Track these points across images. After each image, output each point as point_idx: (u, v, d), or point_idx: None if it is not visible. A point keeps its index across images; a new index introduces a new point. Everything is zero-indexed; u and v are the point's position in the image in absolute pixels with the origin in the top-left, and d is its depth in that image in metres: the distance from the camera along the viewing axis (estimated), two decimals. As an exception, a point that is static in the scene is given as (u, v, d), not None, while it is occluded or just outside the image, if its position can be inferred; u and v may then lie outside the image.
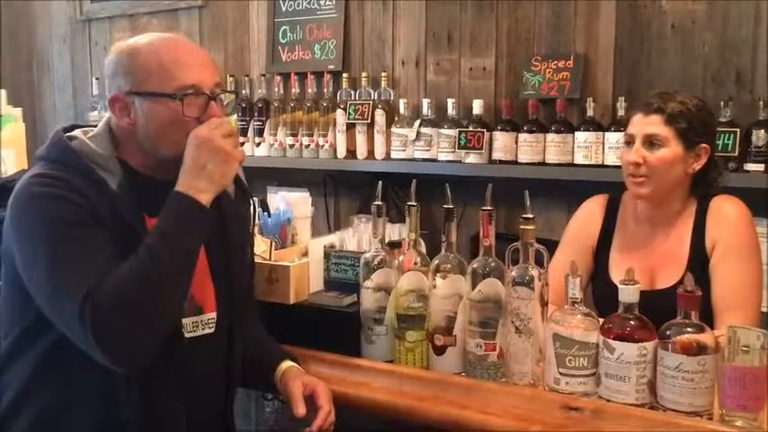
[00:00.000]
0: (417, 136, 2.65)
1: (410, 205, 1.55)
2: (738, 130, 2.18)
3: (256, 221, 1.59)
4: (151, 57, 1.34)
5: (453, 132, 2.58)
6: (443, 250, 1.52)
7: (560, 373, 1.36)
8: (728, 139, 2.17)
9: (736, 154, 2.17)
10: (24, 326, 1.35)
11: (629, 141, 1.79)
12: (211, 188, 1.31)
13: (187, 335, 1.38)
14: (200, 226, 1.31)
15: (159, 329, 1.26)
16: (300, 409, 1.40)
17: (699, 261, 1.73)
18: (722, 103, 2.22)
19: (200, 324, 1.41)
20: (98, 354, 1.21)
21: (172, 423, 1.36)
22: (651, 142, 1.74)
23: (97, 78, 3.52)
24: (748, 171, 2.18)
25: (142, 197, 1.35)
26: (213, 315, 1.43)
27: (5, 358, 1.39)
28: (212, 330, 1.42)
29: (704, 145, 1.75)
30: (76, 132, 1.39)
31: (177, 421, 1.37)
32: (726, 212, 1.75)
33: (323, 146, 2.87)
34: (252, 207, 1.48)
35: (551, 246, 1.79)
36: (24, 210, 1.29)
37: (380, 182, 1.65)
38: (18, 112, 2.93)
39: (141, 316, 1.23)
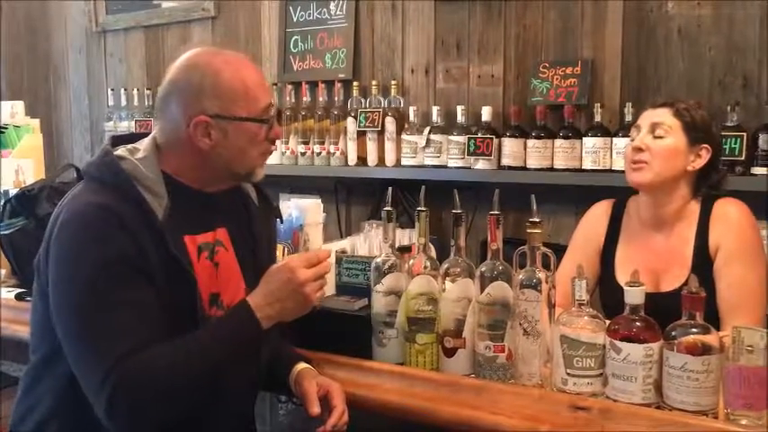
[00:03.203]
0: (427, 143, 2.69)
1: (420, 210, 1.58)
2: (745, 133, 2.20)
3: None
4: (235, 79, 1.36)
5: (462, 139, 2.62)
6: (453, 254, 1.55)
7: (568, 374, 1.39)
8: (735, 143, 2.19)
9: (743, 158, 2.19)
10: (53, 344, 1.35)
11: (635, 136, 1.82)
12: (276, 319, 1.37)
13: None
14: (252, 346, 1.37)
15: (174, 416, 1.28)
16: (315, 409, 1.42)
17: (702, 263, 1.75)
18: (729, 107, 2.24)
19: None
20: (104, 419, 1.24)
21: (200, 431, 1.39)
22: (657, 131, 1.77)
23: (112, 89, 3.58)
24: (755, 175, 2.20)
25: (185, 216, 1.37)
26: None
27: (36, 373, 1.41)
28: None
29: (706, 145, 1.79)
30: (124, 152, 1.39)
31: (206, 428, 1.40)
32: (729, 215, 1.77)
33: (334, 153, 2.91)
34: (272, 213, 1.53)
35: (560, 250, 1.82)
36: (73, 245, 1.29)
37: (390, 188, 1.68)
38: (36, 123, 3.01)
39: (164, 406, 1.25)
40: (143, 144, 1.42)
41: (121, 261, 1.26)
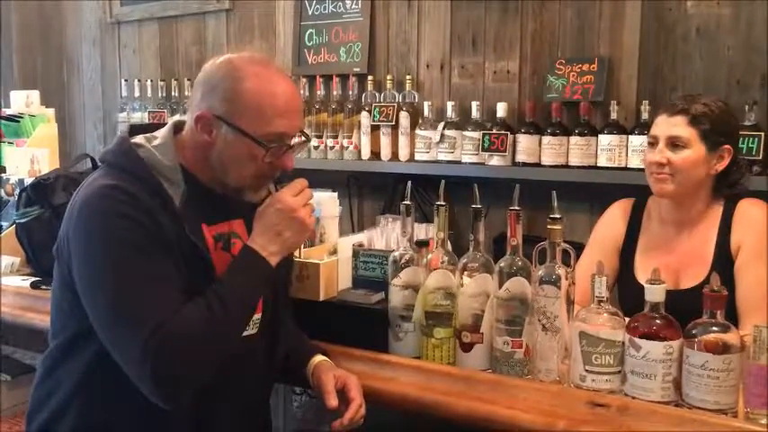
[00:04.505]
0: (441, 138, 2.68)
1: (439, 205, 1.58)
2: (763, 133, 2.18)
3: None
4: (253, 93, 1.34)
5: (477, 135, 2.61)
6: (471, 249, 1.55)
7: (586, 371, 1.39)
8: (753, 143, 2.17)
9: (761, 158, 2.17)
10: (74, 331, 1.37)
11: (653, 142, 1.82)
12: (282, 252, 1.38)
13: None
14: (266, 285, 1.38)
15: (210, 373, 1.29)
16: (333, 401, 1.43)
17: (724, 262, 1.74)
18: (747, 106, 2.23)
19: (251, 324, 1.43)
20: (151, 390, 1.24)
21: (216, 424, 1.40)
22: (675, 143, 1.77)
23: (126, 80, 3.59)
24: (772, 175, 2.19)
25: (201, 205, 1.38)
26: (259, 316, 1.45)
27: (56, 359, 1.42)
28: (255, 331, 1.45)
29: (727, 146, 1.78)
30: (141, 140, 1.40)
31: (221, 421, 1.40)
32: (752, 215, 1.77)
33: (347, 147, 2.91)
34: None
35: (575, 248, 1.81)
36: (95, 225, 1.29)
37: (409, 182, 1.68)
38: (51, 112, 3.02)
39: (201, 363, 1.26)
40: (161, 133, 1.43)
41: (143, 236, 1.27)
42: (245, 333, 1.41)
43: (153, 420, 1.32)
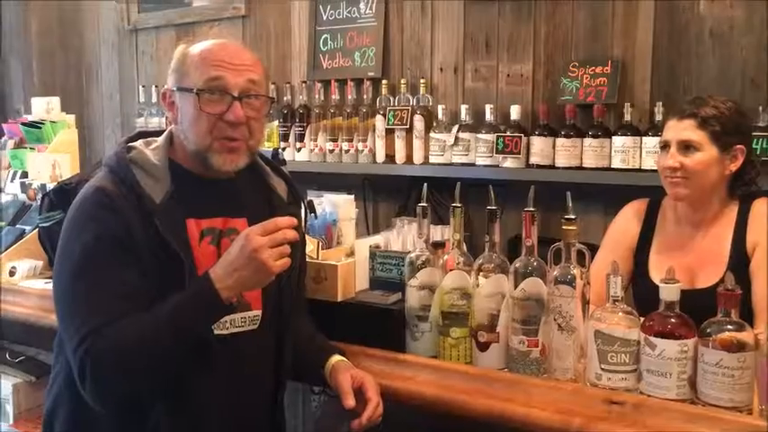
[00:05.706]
0: (455, 141, 2.71)
1: (455, 206, 1.61)
2: (776, 134, 2.19)
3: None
4: (195, 54, 1.41)
5: (491, 137, 2.63)
6: (486, 250, 1.57)
7: (602, 369, 1.41)
8: (766, 144, 2.18)
9: (775, 158, 2.18)
10: None
11: (665, 146, 1.83)
12: (238, 289, 1.33)
13: (231, 330, 1.42)
14: (214, 317, 1.35)
15: (141, 386, 1.34)
16: (350, 401, 1.45)
17: (739, 262, 1.76)
18: (760, 107, 2.23)
19: (248, 320, 1.45)
20: (80, 387, 1.30)
21: (211, 422, 1.41)
22: (686, 146, 1.78)
23: (144, 86, 3.64)
24: (786, 175, 2.19)
25: (191, 200, 1.41)
26: (258, 313, 1.47)
27: (58, 347, 1.48)
28: (255, 327, 1.46)
29: (740, 146, 1.79)
30: (138, 142, 1.46)
31: (217, 419, 1.41)
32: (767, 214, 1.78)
33: (362, 151, 2.94)
34: (303, 210, 1.54)
35: (589, 249, 1.83)
36: (70, 227, 1.38)
37: (425, 184, 1.71)
38: (71, 118, 3.06)
39: (125, 376, 1.30)
40: (162, 135, 1.49)
41: (108, 240, 1.32)
42: (239, 330, 1.43)
43: (140, 419, 1.35)
